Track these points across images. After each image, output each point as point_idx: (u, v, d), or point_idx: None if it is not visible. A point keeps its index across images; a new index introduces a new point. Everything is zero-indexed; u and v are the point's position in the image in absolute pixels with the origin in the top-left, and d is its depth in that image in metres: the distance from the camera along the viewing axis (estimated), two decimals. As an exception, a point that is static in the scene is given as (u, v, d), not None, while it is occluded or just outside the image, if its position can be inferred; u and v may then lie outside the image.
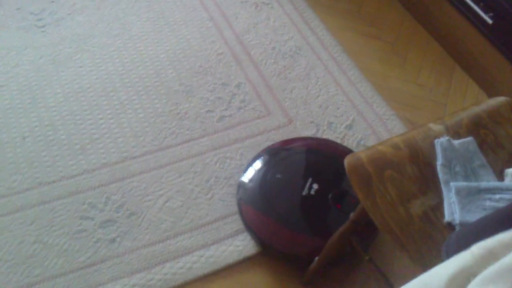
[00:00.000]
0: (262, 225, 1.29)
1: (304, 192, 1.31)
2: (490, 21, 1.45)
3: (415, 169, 0.88)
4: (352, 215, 0.98)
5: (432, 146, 0.91)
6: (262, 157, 1.43)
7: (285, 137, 1.52)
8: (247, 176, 1.39)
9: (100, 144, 1.48)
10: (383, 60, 1.75)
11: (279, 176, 1.35)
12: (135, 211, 1.34)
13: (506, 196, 0.85)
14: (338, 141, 1.52)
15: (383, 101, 1.62)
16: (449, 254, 0.61)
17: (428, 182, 0.87)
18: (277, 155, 1.42)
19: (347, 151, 1.42)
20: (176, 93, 1.62)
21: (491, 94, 1.64)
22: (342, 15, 1.88)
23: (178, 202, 1.37)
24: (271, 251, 1.27)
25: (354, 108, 1.60)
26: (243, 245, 1.30)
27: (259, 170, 1.38)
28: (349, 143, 1.51)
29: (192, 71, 1.68)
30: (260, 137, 1.53)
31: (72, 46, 1.71)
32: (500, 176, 0.89)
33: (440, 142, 0.91)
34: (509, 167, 0.90)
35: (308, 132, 1.53)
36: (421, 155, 0.90)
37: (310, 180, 1.32)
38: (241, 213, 1.34)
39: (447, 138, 0.91)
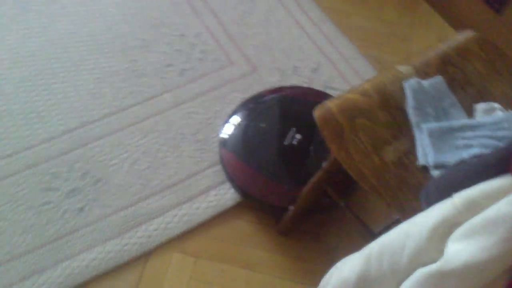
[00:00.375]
0: (243, 174, 1.27)
1: (287, 142, 1.28)
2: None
3: (386, 115, 0.85)
4: (324, 164, 0.96)
5: (402, 89, 0.88)
6: (247, 105, 1.38)
7: (249, 87, 1.47)
8: (232, 123, 1.36)
9: (56, 110, 1.40)
10: (345, -3, 1.69)
11: (263, 125, 1.32)
12: (101, 177, 1.29)
13: (478, 133, 0.84)
14: (304, 85, 1.48)
15: (348, 41, 1.58)
16: (430, 203, 0.60)
17: (400, 127, 0.85)
18: (262, 103, 1.38)
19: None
20: (132, 49, 1.53)
21: (455, 26, 1.62)
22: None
23: (145, 164, 1.32)
24: (251, 201, 1.26)
25: (318, 50, 1.55)
26: (216, 199, 1.28)
27: (243, 119, 1.35)
28: (316, 86, 1.48)
29: (147, 23, 1.59)
30: (224, 88, 1.47)
31: (15, 7, 1.58)
32: (470, 113, 0.88)
33: (409, 84, 0.88)
34: (477, 103, 0.89)
35: (274, 79, 1.49)
36: (392, 100, 0.87)
37: (293, 130, 1.29)
38: (222, 161, 1.31)
39: (416, 79, 0.89)
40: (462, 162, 0.66)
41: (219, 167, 1.32)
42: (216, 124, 1.39)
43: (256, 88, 1.46)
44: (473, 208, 0.51)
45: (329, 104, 0.86)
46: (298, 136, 1.28)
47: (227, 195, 1.28)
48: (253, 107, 1.37)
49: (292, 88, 1.44)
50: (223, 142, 1.33)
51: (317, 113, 0.85)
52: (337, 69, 1.52)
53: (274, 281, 1.16)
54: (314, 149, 1.26)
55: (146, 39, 1.55)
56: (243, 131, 1.32)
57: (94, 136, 1.36)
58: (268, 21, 1.61)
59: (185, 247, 1.20)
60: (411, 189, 0.78)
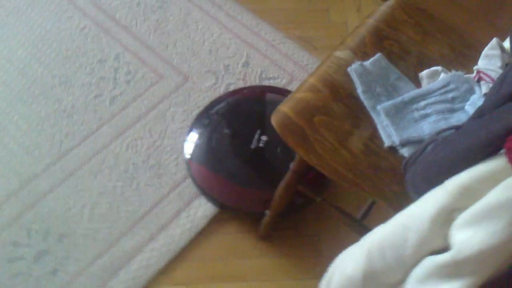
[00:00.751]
0: (216, 185, 1.25)
1: (253, 146, 1.26)
2: None
3: (341, 106, 0.86)
4: (291, 165, 0.96)
5: (348, 75, 0.89)
6: (206, 115, 1.35)
7: (187, 97, 1.43)
8: (194, 135, 1.33)
9: (-7, 175, 1.30)
10: (254, -18, 1.67)
11: (226, 131, 1.29)
12: (63, 232, 1.23)
13: (429, 100, 0.87)
14: (240, 82, 1.46)
15: (269, 26, 1.57)
16: (419, 192, 0.61)
17: (357, 114, 0.86)
18: (222, 109, 1.35)
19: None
20: (53, 89, 1.44)
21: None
22: None
23: (105, 205, 1.27)
24: (228, 211, 1.25)
25: (244, 43, 1.54)
26: (189, 221, 1.25)
27: (205, 128, 1.32)
28: (252, 80, 1.46)
29: (60, 58, 1.50)
30: (161, 105, 1.43)
31: None
32: (417, 82, 0.91)
33: (353, 69, 0.89)
34: (420, 70, 0.92)
35: (209, 83, 1.46)
36: (341, 89, 0.88)
37: (258, 132, 1.27)
38: (193, 176, 1.28)
39: (358, 63, 0.90)
40: (439, 143, 0.67)
41: (181, 188, 1.29)
42: (165, 145, 1.35)
43: (194, 97, 1.43)
44: (469, 194, 0.53)
45: (283, 109, 0.86)
46: (264, 138, 1.27)
47: (199, 214, 1.26)
48: (213, 115, 1.34)
49: (247, 88, 1.43)
50: (191, 156, 1.30)
51: (275, 121, 0.85)
52: (268, 58, 1.51)
53: (270, 285, 1.17)
54: (282, 149, 1.26)
55: (65, 75, 1.47)
56: (208, 141, 1.30)
57: (42, 192, 1.28)
58: (185, 25, 1.57)
59: (173, 277, 1.18)
60: (387, 173, 0.80)
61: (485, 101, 0.65)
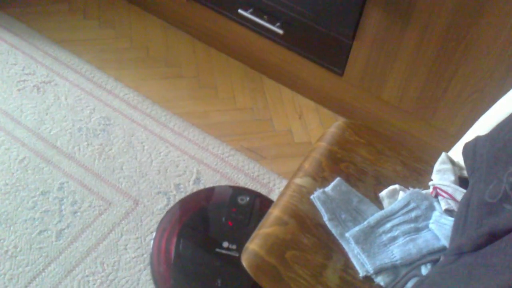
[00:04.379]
0: None
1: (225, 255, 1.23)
2: (281, 31, 1.49)
3: (310, 237, 0.85)
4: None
5: (312, 204, 0.89)
6: (162, 234, 1.29)
7: (139, 222, 1.37)
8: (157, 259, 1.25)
9: None
10: (196, 97, 1.69)
11: (190, 245, 1.25)
12: None
13: (394, 221, 0.88)
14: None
15: (216, 140, 1.58)
16: None
17: (327, 244, 0.85)
18: (178, 225, 1.30)
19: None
20: (-8, 229, 1.34)
21: (303, 93, 1.72)
22: (134, 66, 1.76)
23: None
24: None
25: (192, 159, 1.53)
26: None
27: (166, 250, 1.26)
28: (205, 197, 1.44)
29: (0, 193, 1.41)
30: (112, 234, 1.36)
31: None
32: (378, 202, 0.92)
33: (317, 197, 0.90)
34: (379, 190, 0.94)
35: (160, 205, 1.41)
36: (307, 219, 0.87)
37: (225, 242, 1.24)
38: None
39: (320, 190, 0.91)
40: (422, 284, 0.67)
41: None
42: (120, 277, 1.27)
43: (147, 221, 1.38)
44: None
45: (253, 247, 0.83)
46: (232, 246, 1.24)
47: None
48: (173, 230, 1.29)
49: (193, 196, 1.39)
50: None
51: (246, 262, 0.82)
52: (219, 172, 1.50)
53: None
54: None
55: (5, 212, 1.37)
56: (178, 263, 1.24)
57: None
58: (131, 146, 1.54)
59: None
60: (367, 306, 0.78)
61: (461, 238, 0.66)
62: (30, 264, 1.29)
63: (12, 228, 1.35)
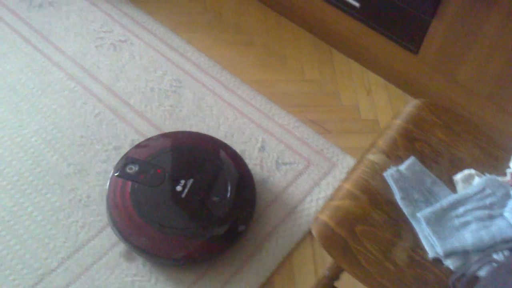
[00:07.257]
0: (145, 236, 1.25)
1: (183, 194, 1.29)
2: (357, 4, 1.47)
3: (381, 214, 0.86)
4: (327, 272, 0.94)
5: (384, 181, 0.90)
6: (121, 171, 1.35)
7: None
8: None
9: (6, 270, 1.26)
10: (265, 65, 1.70)
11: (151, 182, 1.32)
12: (82, 334, 1.18)
13: (468, 206, 0.87)
14: (257, 167, 1.46)
15: (282, 110, 1.59)
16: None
17: (397, 222, 0.85)
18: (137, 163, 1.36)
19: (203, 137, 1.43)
20: (68, 177, 1.43)
21: (373, 69, 1.69)
22: (206, 30, 1.79)
23: (125, 302, 1.23)
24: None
25: (258, 127, 1.55)
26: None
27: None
28: (268, 166, 1.47)
29: (74, 145, 1.49)
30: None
31: None
32: (451, 185, 0.91)
33: (390, 175, 0.90)
34: (453, 173, 0.93)
35: (225, 169, 1.46)
36: (379, 195, 0.88)
37: (182, 181, 1.31)
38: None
39: (394, 168, 0.90)
40: (500, 270, 0.66)
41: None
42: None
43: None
44: None
45: (323, 218, 0.85)
46: (189, 184, 1.31)
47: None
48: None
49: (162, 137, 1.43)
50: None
51: (316, 231, 0.84)
52: (283, 142, 1.52)
53: None
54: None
55: (80, 163, 1.45)
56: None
57: (58, 287, 1.24)
58: (200, 109, 1.58)
59: None
60: (434, 287, 0.79)
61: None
62: (101, 214, 1.37)
63: (85, 178, 1.43)
